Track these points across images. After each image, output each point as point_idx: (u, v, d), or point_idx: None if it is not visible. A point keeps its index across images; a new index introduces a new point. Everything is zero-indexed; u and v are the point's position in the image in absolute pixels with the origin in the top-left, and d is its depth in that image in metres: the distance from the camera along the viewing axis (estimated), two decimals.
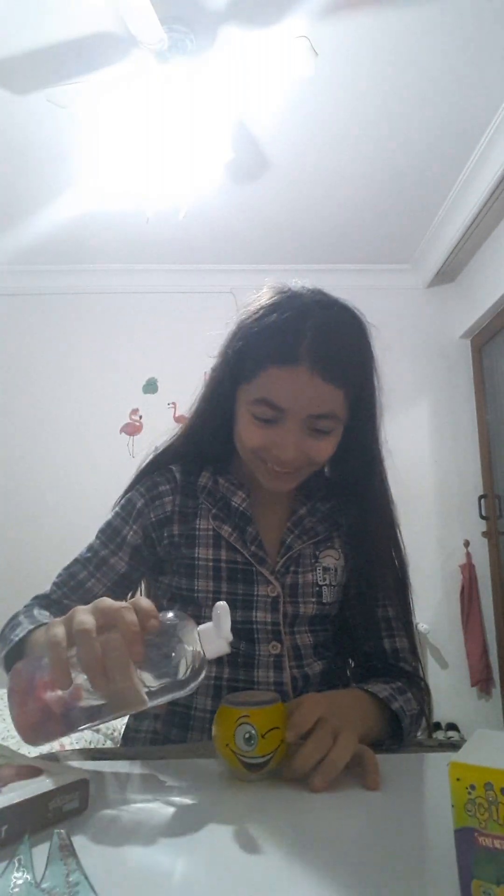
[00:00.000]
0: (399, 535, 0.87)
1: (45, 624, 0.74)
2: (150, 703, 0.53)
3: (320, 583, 0.83)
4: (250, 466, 0.82)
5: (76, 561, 0.87)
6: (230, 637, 0.56)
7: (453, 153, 2.43)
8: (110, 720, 0.55)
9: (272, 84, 2.06)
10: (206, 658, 0.55)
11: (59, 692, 0.54)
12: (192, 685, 0.54)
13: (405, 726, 0.73)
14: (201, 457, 0.89)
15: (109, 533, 0.87)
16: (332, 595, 0.85)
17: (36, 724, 0.55)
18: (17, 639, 0.74)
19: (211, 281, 3.31)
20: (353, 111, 2.22)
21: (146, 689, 0.53)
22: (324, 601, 0.83)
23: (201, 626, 0.57)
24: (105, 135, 2.30)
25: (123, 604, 0.54)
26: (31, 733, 0.55)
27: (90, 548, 0.88)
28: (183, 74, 1.87)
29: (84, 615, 0.54)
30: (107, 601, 0.55)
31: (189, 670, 0.54)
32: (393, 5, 1.80)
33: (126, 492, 0.90)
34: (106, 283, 3.32)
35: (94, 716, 0.54)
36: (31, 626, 0.75)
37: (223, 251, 3.16)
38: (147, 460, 0.92)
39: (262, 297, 0.81)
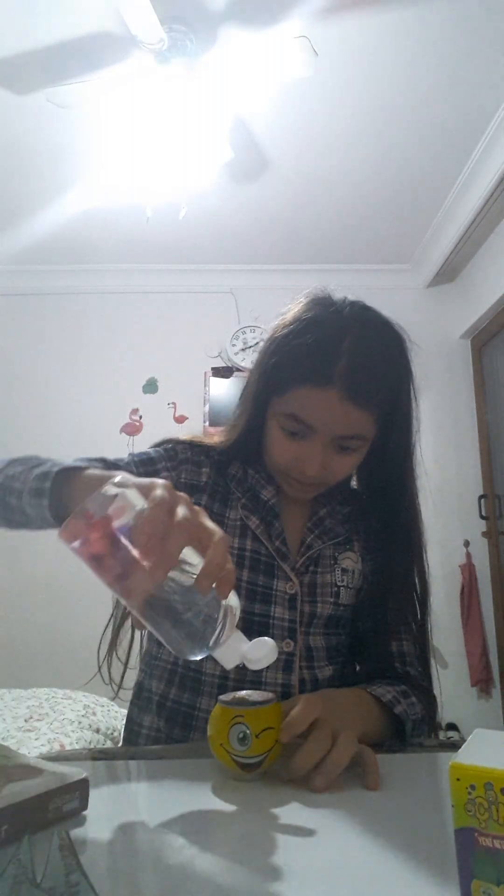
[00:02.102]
0: (424, 552, 0.86)
1: (98, 470, 0.63)
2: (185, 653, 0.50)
3: (338, 584, 0.84)
4: (274, 473, 0.83)
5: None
6: (246, 658, 0.52)
7: (453, 153, 2.43)
8: (165, 631, 0.49)
9: (272, 84, 2.06)
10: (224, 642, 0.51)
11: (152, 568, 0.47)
12: (197, 650, 0.50)
13: (407, 730, 0.73)
14: (232, 450, 0.88)
15: (144, 458, 0.84)
16: (349, 597, 0.85)
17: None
18: (58, 468, 0.63)
19: (211, 281, 3.31)
20: (353, 111, 2.22)
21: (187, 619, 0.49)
22: (340, 602, 0.84)
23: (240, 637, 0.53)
24: (105, 135, 2.31)
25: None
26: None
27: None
28: (183, 74, 1.87)
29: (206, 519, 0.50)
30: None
31: (214, 640, 0.50)
32: (393, 5, 1.80)
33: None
34: (106, 283, 3.32)
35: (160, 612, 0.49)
36: (82, 464, 0.64)
37: (223, 251, 3.16)
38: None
39: (301, 307, 0.79)
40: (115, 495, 0.49)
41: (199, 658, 0.51)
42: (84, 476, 0.62)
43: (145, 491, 0.50)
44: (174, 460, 0.85)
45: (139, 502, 0.49)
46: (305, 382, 0.73)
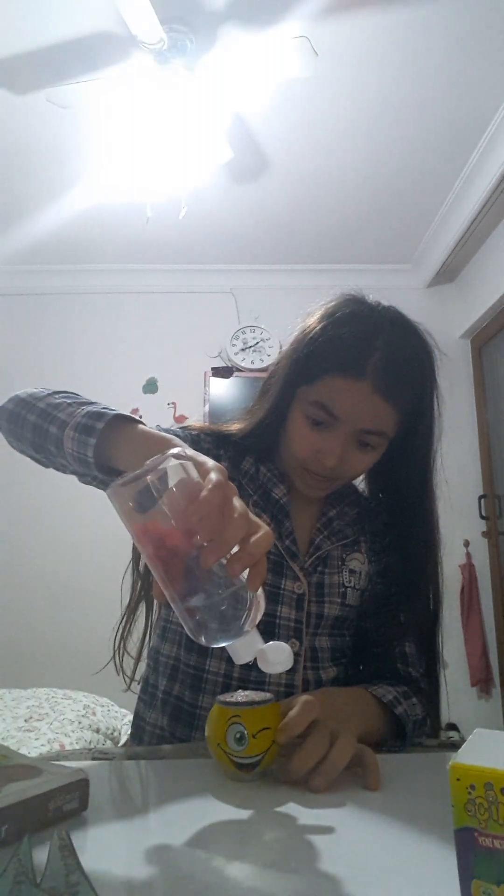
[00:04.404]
0: (439, 563, 0.85)
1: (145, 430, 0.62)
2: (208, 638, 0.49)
3: (346, 584, 0.84)
4: (289, 467, 0.83)
5: None
6: (264, 657, 0.53)
7: (453, 153, 2.43)
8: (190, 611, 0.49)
9: (272, 84, 2.06)
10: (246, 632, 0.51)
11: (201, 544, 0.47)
12: (215, 636, 0.50)
13: (408, 731, 0.73)
14: (245, 444, 0.88)
15: (182, 437, 0.83)
16: (355, 598, 0.85)
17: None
18: (106, 415, 0.62)
19: (211, 281, 3.31)
20: (353, 111, 2.22)
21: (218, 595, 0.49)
22: (347, 603, 0.84)
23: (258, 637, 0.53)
24: (105, 134, 2.31)
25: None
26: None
27: None
28: (183, 74, 1.87)
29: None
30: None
31: (236, 629, 0.50)
32: (393, 5, 1.80)
33: None
34: (106, 283, 3.32)
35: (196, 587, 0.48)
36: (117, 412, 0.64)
37: (223, 251, 3.16)
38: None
39: (337, 302, 0.81)
40: (176, 466, 0.50)
41: (213, 645, 0.50)
42: (138, 430, 0.62)
43: (202, 470, 0.50)
44: (197, 447, 0.84)
45: (196, 479, 0.50)
46: (337, 372, 0.74)
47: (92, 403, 0.67)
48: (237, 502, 0.49)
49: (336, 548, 0.85)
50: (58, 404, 0.68)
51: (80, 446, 0.62)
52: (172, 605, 0.50)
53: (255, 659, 0.52)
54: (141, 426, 0.63)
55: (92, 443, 0.61)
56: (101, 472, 0.63)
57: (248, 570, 0.49)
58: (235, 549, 0.48)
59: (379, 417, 0.75)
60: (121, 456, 0.62)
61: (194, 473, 0.50)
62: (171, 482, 0.49)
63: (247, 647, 0.51)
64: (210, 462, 0.51)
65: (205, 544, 0.47)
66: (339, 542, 0.85)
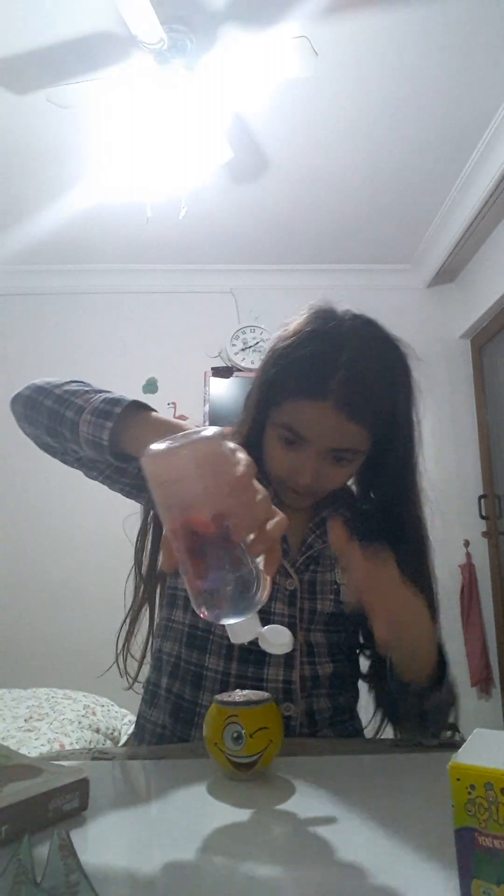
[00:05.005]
0: (429, 566, 0.86)
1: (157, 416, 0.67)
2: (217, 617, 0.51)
3: (338, 581, 0.84)
4: (271, 482, 0.83)
5: None
6: (264, 639, 0.54)
7: (453, 153, 2.43)
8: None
9: (272, 84, 2.06)
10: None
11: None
12: (221, 609, 0.51)
13: (447, 680, 0.72)
14: None
15: None
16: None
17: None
18: (122, 403, 0.66)
19: (211, 281, 3.31)
20: (353, 111, 2.22)
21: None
22: (341, 599, 0.84)
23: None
24: (105, 134, 2.31)
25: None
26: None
27: None
28: (183, 74, 1.87)
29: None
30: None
31: (242, 605, 0.51)
32: (393, 5, 1.80)
33: None
34: (106, 283, 3.32)
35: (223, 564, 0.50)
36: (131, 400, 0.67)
37: (223, 251, 3.16)
38: None
39: (303, 319, 0.80)
40: (210, 441, 0.51)
41: (219, 621, 0.51)
42: (153, 417, 0.67)
43: (231, 449, 0.53)
44: None
45: (228, 456, 0.52)
46: (301, 394, 0.75)
47: (107, 392, 0.71)
48: (259, 485, 0.52)
49: (328, 546, 0.85)
50: (75, 391, 0.72)
51: (96, 429, 0.66)
52: (185, 578, 0.51)
53: (254, 649, 0.53)
54: (156, 413, 0.67)
55: (108, 426, 0.65)
56: (113, 457, 0.66)
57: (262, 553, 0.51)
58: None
59: (346, 436, 0.75)
60: (135, 441, 0.65)
61: (227, 451, 0.52)
62: (205, 456, 0.50)
63: (248, 627, 0.52)
64: (234, 444, 0.53)
65: (234, 520, 0.48)
66: None
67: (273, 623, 0.79)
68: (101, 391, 0.72)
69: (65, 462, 0.84)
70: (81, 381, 0.77)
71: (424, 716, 0.74)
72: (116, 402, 0.67)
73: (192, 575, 0.50)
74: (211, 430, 0.52)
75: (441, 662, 0.75)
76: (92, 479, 0.85)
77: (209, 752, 0.59)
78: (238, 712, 0.58)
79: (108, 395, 0.69)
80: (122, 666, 0.85)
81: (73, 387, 0.74)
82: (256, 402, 0.83)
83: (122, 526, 0.93)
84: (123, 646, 0.86)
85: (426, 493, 0.86)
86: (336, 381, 0.73)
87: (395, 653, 0.70)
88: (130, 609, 0.88)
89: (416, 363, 0.81)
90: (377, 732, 0.83)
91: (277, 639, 0.54)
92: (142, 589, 0.88)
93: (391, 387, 0.78)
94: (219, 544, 0.49)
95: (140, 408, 0.67)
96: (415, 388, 0.81)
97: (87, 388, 0.73)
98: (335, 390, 0.72)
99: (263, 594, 0.51)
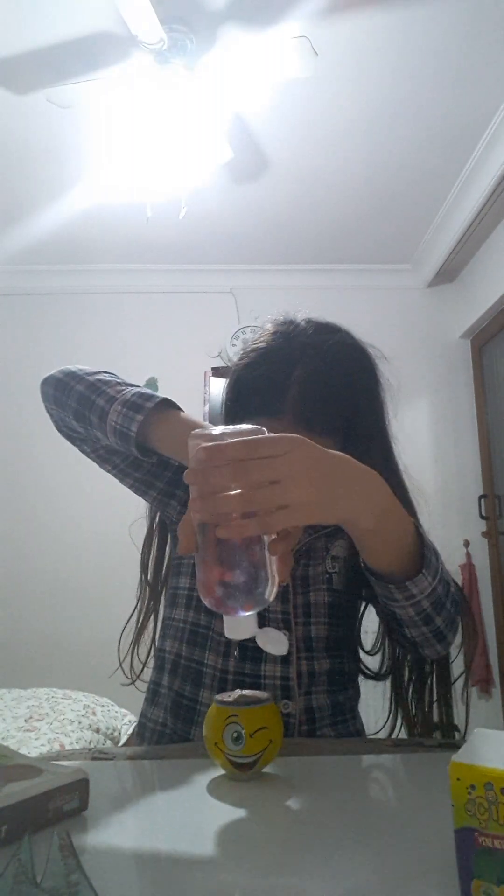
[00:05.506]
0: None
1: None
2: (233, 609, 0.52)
3: (329, 570, 0.84)
4: None
5: None
6: (261, 638, 0.55)
7: (453, 153, 2.43)
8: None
9: (272, 84, 2.06)
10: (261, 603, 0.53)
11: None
12: (228, 600, 0.52)
13: (432, 563, 0.65)
14: None
15: None
16: (342, 582, 0.85)
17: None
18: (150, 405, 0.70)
19: (211, 281, 3.31)
20: (353, 111, 2.22)
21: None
22: (334, 588, 0.84)
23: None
24: (105, 134, 2.31)
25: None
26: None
27: None
28: (183, 74, 1.87)
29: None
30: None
31: (250, 599, 0.52)
32: (393, 5, 1.80)
33: None
34: (106, 283, 3.32)
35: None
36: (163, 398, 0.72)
37: (223, 251, 3.16)
38: None
39: (261, 336, 0.83)
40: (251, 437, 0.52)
41: (228, 614, 0.52)
42: (181, 416, 0.70)
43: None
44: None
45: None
46: (259, 415, 0.75)
47: (139, 386, 0.76)
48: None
49: (320, 538, 0.85)
50: (107, 381, 0.77)
51: (125, 421, 0.70)
52: (199, 566, 0.52)
53: (251, 646, 0.54)
54: (184, 413, 0.71)
55: (139, 419, 0.69)
56: (137, 449, 0.71)
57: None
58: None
59: None
60: (161, 437, 0.69)
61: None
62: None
63: (246, 624, 0.53)
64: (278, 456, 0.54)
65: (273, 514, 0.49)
66: (322, 531, 0.85)
67: (267, 619, 0.80)
68: (132, 385, 0.76)
69: (82, 450, 0.86)
70: (113, 374, 0.81)
71: (429, 619, 0.69)
72: (149, 397, 0.71)
73: (211, 564, 0.51)
74: (250, 428, 0.53)
75: (424, 556, 0.68)
76: (105, 470, 0.87)
77: (209, 752, 0.59)
78: (238, 712, 0.58)
79: (140, 389, 0.73)
80: (127, 670, 0.88)
81: (106, 377, 0.79)
82: (224, 420, 0.84)
83: (129, 531, 0.94)
84: (129, 649, 0.88)
85: (414, 490, 0.85)
86: (291, 397, 0.74)
87: (369, 536, 0.62)
88: (138, 616, 0.90)
89: (384, 362, 0.82)
90: (391, 733, 0.81)
91: (273, 640, 0.55)
92: (147, 592, 0.90)
93: (350, 391, 0.78)
94: (246, 538, 0.51)
95: (170, 405, 0.71)
96: (380, 388, 0.81)
97: (119, 381, 0.77)
98: (291, 406, 0.74)
99: (272, 592, 0.52)
